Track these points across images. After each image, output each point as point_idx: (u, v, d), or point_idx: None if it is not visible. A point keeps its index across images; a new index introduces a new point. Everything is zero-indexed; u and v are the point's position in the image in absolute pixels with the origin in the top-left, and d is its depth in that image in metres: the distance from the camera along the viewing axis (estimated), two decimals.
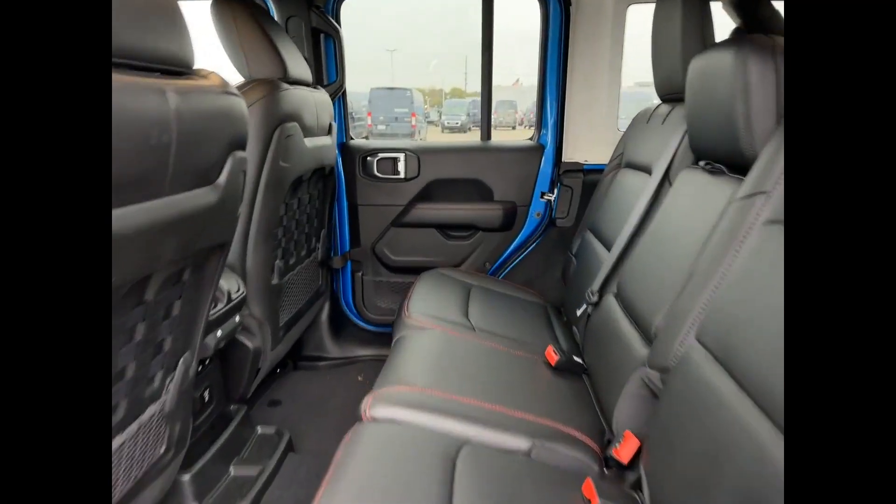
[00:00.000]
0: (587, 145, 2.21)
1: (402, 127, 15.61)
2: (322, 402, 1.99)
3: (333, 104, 2.08)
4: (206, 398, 1.39)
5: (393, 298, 2.33)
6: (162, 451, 1.04)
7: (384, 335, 2.32)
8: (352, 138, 2.29)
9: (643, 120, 1.78)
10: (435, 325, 1.54)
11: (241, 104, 0.89)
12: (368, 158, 2.20)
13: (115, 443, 0.87)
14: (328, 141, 1.85)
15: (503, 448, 1.07)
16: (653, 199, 1.43)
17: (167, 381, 0.99)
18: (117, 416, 0.86)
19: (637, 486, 1.01)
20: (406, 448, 0.98)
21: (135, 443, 0.93)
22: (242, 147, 0.93)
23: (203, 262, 0.96)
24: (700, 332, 0.91)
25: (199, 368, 1.35)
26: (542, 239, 2.26)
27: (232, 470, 1.41)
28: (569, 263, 2.00)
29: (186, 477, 1.25)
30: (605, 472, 1.11)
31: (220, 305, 1.31)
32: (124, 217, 0.63)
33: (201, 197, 0.81)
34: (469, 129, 18.78)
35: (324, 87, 2.01)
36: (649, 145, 1.63)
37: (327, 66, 2.13)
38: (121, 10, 0.62)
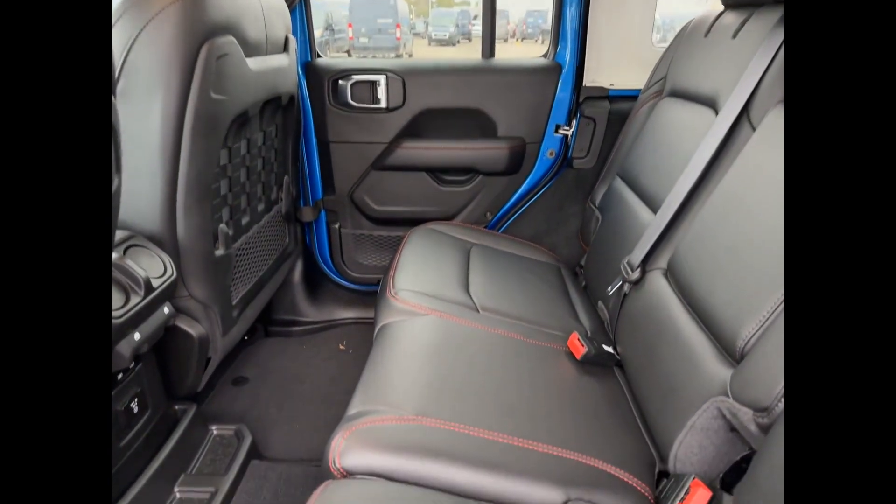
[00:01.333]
0: (614, 65, 1.78)
1: (387, 39, 14.44)
2: (296, 379, 1.70)
3: (292, 12, 1.61)
4: (135, 409, 1.07)
5: (377, 254, 1.99)
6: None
7: (369, 295, 2.00)
8: (319, 55, 1.83)
9: (699, 33, 1.36)
10: (429, 309, 1.21)
11: None
12: (340, 82, 1.75)
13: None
14: (284, 61, 1.41)
15: None
16: (722, 146, 1.06)
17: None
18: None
19: None
20: None
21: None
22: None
23: None
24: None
25: (119, 377, 1.03)
26: (554, 183, 1.89)
27: (177, 492, 1.13)
28: (590, 218, 1.65)
29: None
30: None
31: (133, 299, 0.96)
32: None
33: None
34: (458, 41, 17.56)
35: None
36: (710, 69, 1.23)
37: None
38: None
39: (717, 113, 1.11)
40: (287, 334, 1.94)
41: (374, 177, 1.87)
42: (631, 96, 1.69)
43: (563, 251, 1.83)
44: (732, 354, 0.79)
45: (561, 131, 1.81)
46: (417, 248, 1.51)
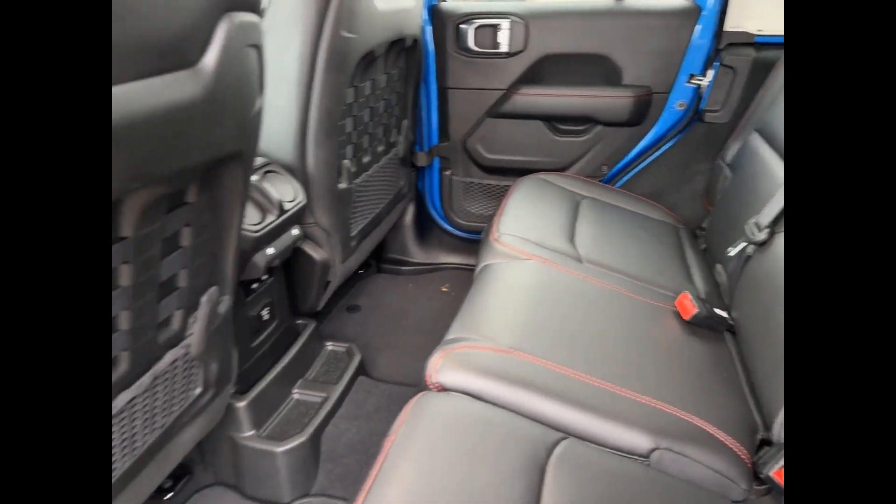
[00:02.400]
0: (765, 7, 1.58)
1: None
2: (402, 313, 1.82)
3: None
4: (266, 316, 1.24)
5: (485, 203, 2.01)
6: (197, 393, 0.89)
7: (473, 243, 2.04)
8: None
9: None
10: (531, 254, 1.21)
11: None
12: (462, 26, 1.75)
13: (123, 399, 0.71)
14: (410, 2, 1.44)
15: (615, 446, 0.79)
16: None
17: (189, 322, 0.80)
18: (119, 371, 0.69)
19: None
20: (482, 439, 0.73)
21: (153, 395, 0.77)
22: (247, 6, 0.61)
23: (212, 178, 0.70)
24: None
25: (254, 286, 1.18)
26: (681, 138, 1.75)
27: (295, 394, 1.29)
28: (718, 175, 1.52)
29: (242, 404, 1.13)
30: (754, 487, 0.80)
31: (269, 218, 1.09)
32: None
33: (172, 87, 0.52)
34: None
35: None
36: None
37: None
38: None
39: None
40: (396, 272, 2.06)
41: (489, 124, 1.87)
42: (780, 44, 1.49)
43: (684, 211, 1.71)
44: None
45: (694, 81, 1.66)
46: (525, 197, 1.50)
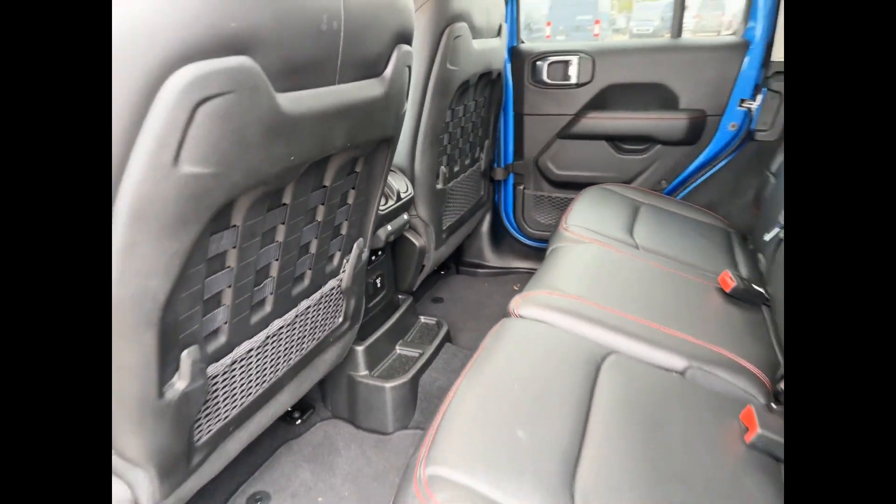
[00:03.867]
0: None
1: (584, 36, 14.40)
2: (479, 304, 2.10)
3: (506, 4, 1.98)
4: (378, 285, 1.56)
5: (553, 214, 2.28)
6: (339, 321, 1.21)
7: (541, 250, 2.30)
8: (523, 41, 2.19)
9: None
10: (593, 240, 1.48)
11: None
12: (538, 63, 2.09)
13: (302, 306, 1.04)
14: (497, 43, 1.79)
15: (654, 363, 1.02)
16: None
17: (344, 262, 1.13)
18: (303, 285, 1.02)
19: None
20: (550, 346, 0.99)
21: (318, 309, 1.10)
22: (408, 41, 0.95)
23: (372, 155, 1.03)
24: None
25: (373, 258, 1.52)
26: (734, 155, 1.96)
27: (397, 349, 1.60)
28: (765, 183, 1.71)
29: (361, 348, 1.45)
30: (773, 407, 0.99)
31: (390, 202, 1.43)
32: (298, 100, 0.70)
33: (368, 88, 0.86)
34: (663, 36, 16.58)
35: None
36: None
37: None
38: None
39: None
40: (473, 274, 2.36)
41: (558, 145, 2.17)
42: None
43: (737, 220, 1.90)
44: None
45: (745, 105, 1.88)
46: (591, 200, 1.77)
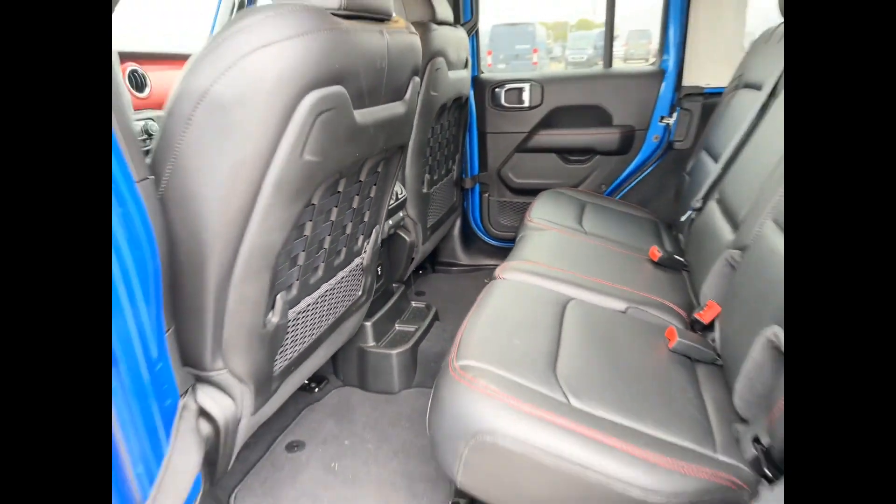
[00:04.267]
0: (710, 68, 2.28)
1: (523, 65, 15.29)
2: (457, 295, 2.43)
3: (469, 40, 2.38)
4: (379, 273, 1.87)
5: (514, 217, 2.67)
6: (359, 294, 1.51)
7: (506, 249, 2.68)
8: (482, 72, 2.59)
9: (764, 41, 1.84)
10: (552, 228, 1.85)
11: (418, 40, 1.25)
12: (496, 90, 2.49)
13: (339, 276, 1.33)
14: (465, 73, 2.17)
15: (603, 306, 1.38)
16: (760, 112, 1.56)
17: (365, 244, 1.44)
18: (340, 259, 1.32)
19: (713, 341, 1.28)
20: (529, 297, 1.34)
21: (348, 279, 1.40)
22: (418, 74, 1.30)
23: (390, 159, 1.36)
24: (776, 215, 1.12)
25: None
26: (659, 162, 2.42)
27: (396, 326, 1.90)
28: (682, 182, 2.16)
29: (369, 323, 1.74)
30: (686, 329, 1.37)
31: (391, 202, 1.75)
32: (363, 115, 1.02)
33: (397, 108, 1.20)
34: (596, 63, 17.87)
35: (461, 25, 2.31)
36: (766, 64, 1.72)
37: (463, 6, 2.43)
38: None
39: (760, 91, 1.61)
40: (448, 271, 2.70)
41: (516, 158, 2.57)
42: (721, 93, 2.18)
43: (663, 213, 2.33)
44: (736, 226, 1.33)
45: (664, 121, 2.35)
46: (547, 201, 2.16)
